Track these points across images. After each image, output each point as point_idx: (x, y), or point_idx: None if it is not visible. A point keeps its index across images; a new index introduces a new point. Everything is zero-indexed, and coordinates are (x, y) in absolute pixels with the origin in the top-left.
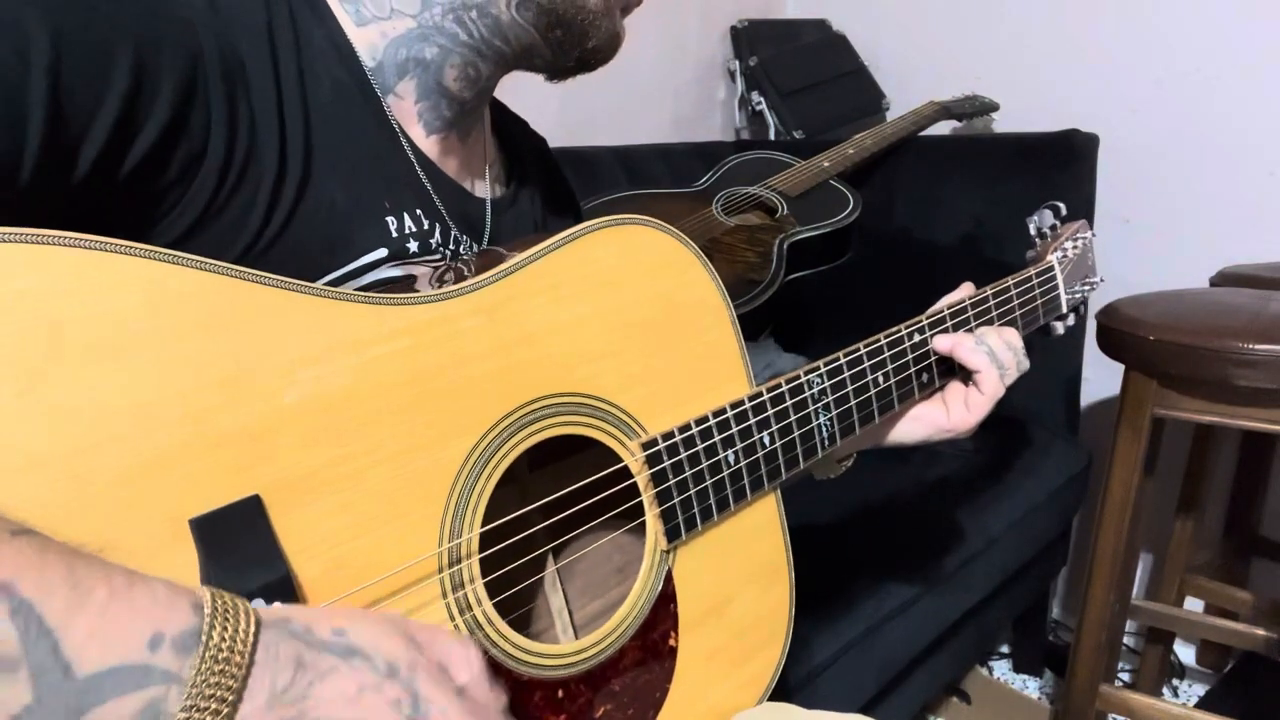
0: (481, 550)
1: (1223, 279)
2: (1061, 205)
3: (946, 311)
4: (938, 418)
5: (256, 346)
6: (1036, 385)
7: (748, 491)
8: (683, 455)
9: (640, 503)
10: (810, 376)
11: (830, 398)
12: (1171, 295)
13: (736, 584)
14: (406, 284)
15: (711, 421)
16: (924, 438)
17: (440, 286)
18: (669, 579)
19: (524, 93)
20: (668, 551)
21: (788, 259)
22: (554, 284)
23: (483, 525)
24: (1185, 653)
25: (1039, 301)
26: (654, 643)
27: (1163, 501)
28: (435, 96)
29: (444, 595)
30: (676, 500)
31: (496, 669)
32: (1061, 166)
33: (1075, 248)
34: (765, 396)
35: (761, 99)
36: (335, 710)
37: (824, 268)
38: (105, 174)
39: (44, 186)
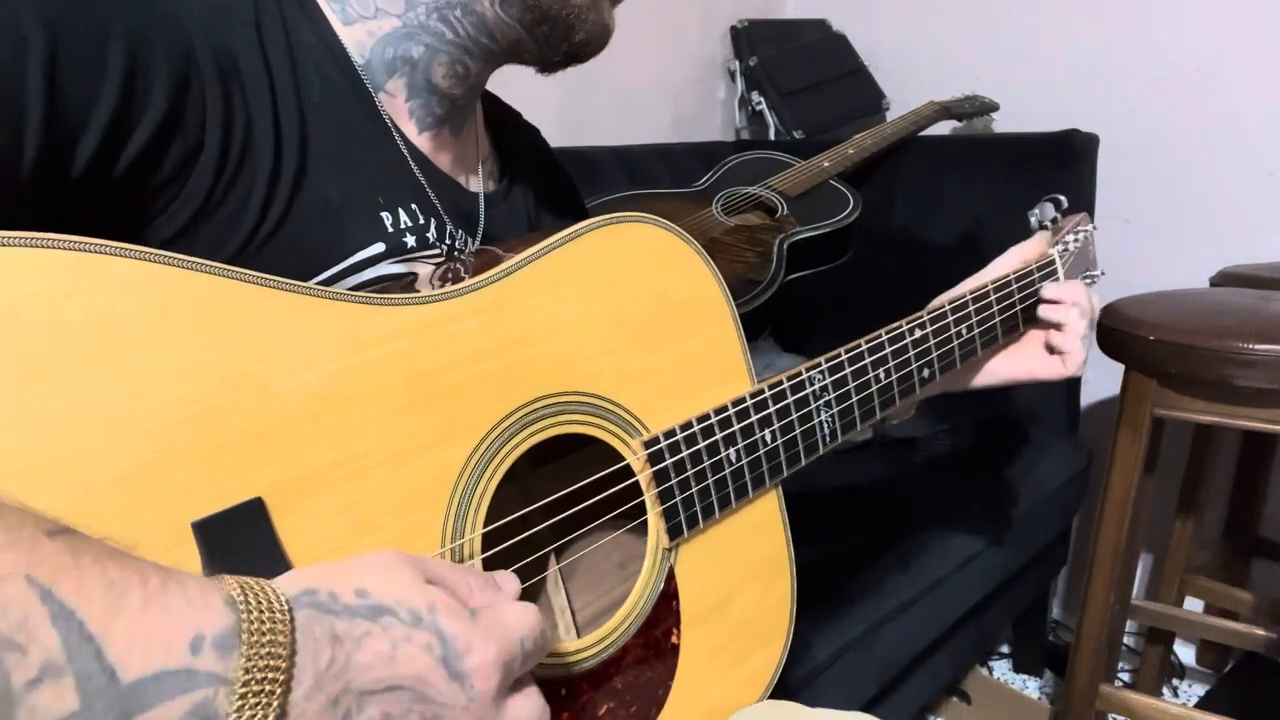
0: (484, 550)
1: (1223, 279)
2: (1063, 198)
3: (947, 306)
4: (1005, 367)
5: (257, 348)
6: (1036, 385)
7: (749, 489)
8: (684, 453)
9: (641, 501)
10: (811, 373)
11: (832, 394)
12: (1171, 295)
13: (738, 581)
14: (407, 283)
15: (713, 419)
16: (1009, 378)
17: (441, 286)
18: (671, 576)
19: (524, 93)
20: (670, 549)
21: (788, 259)
22: (555, 283)
23: (485, 525)
24: (1185, 653)
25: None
26: (656, 640)
27: (1163, 501)
28: (425, 94)
29: None
30: (678, 498)
31: None
32: (1061, 166)
33: (1077, 240)
34: (767, 394)
35: (761, 99)
36: (377, 672)
37: (824, 268)
38: (101, 170)
39: (43, 183)
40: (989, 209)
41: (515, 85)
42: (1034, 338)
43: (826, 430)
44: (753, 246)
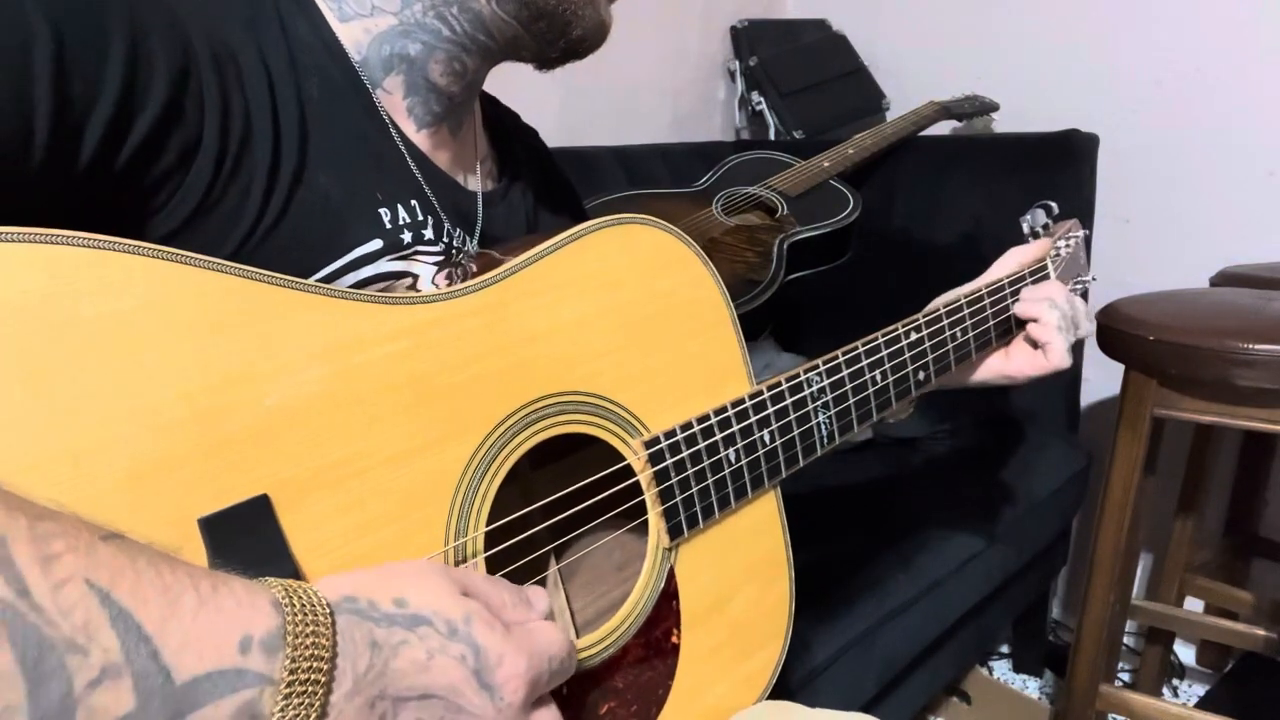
0: (486, 549)
1: (1223, 279)
2: (1053, 204)
3: (942, 310)
4: (998, 363)
5: (263, 346)
6: (1037, 385)
7: (749, 489)
8: (684, 453)
9: (641, 501)
10: (809, 375)
11: (829, 396)
12: (1171, 295)
13: (738, 581)
14: (407, 284)
15: (713, 420)
16: (983, 381)
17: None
18: (671, 576)
19: (524, 93)
20: (670, 549)
21: (788, 259)
22: (555, 284)
23: (488, 524)
24: (1185, 653)
25: None
26: (657, 640)
27: (1163, 501)
28: (423, 92)
29: None
30: (679, 498)
31: None
32: (1061, 166)
33: (1068, 246)
34: (765, 395)
35: (761, 99)
36: (412, 679)
37: (824, 268)
38: (105, 163)
39: (49, 177)
40: (989, 209)
41: (515, 85)
42: (1024, 338)
43: (824, 432)
44: (753, 246)
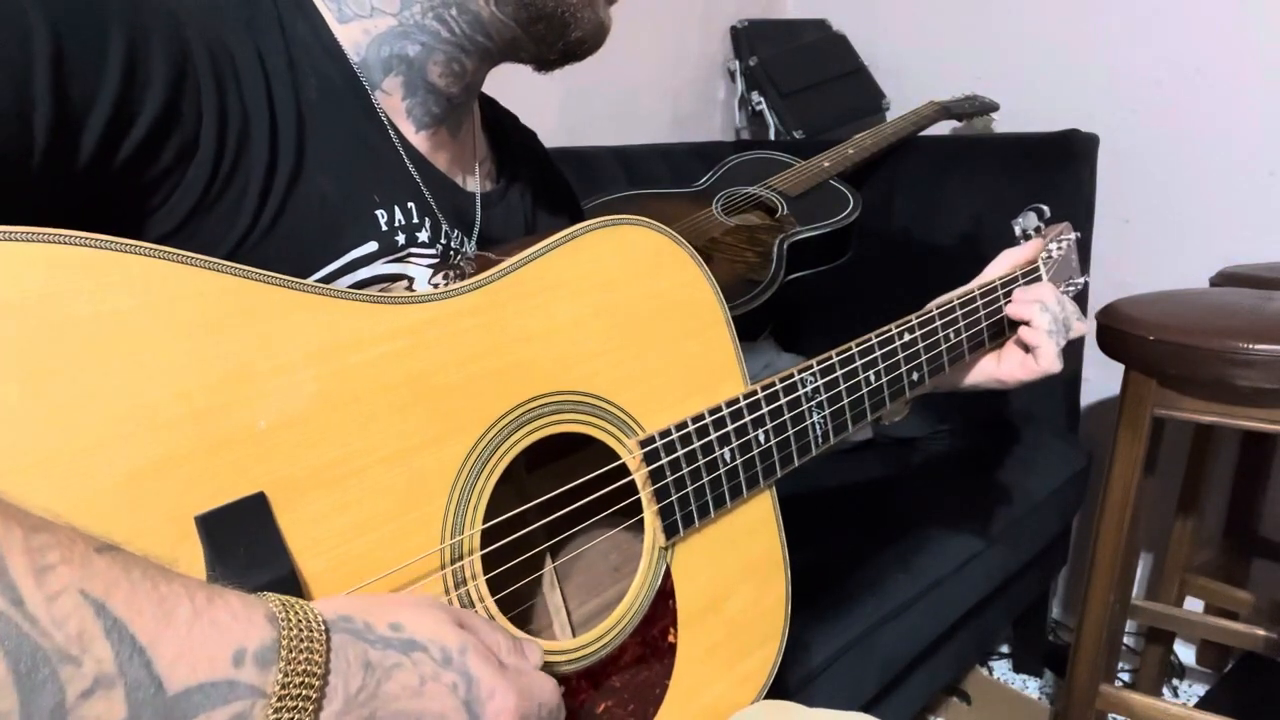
0: (482, 548)
1: (1223, 279)
2: (1045, 208)
3: (935, 311)
4: (989, 367)
5: (261, 345)
6: (1036, 385)
7: (744, 488)
8: (680, 453)
9: (637, 500)
10: (804, 375)
11: (824, 396)
12: (1171, 295)
13: (734, 581)
14: (404, 286)
15: (708, 419)
16: (975, 384)
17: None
18: (667, 575)
19: (523, 93)
20: (666, 548)
21: (787, 259)
22: (551, 284)
23: (484, 523)
24: (1185, 653)
25: None
26: (653, 639)
27: (1163, 501)
28: (422, 93)
29: (446, 591)
30: (674, 496)
31: None
32: (1061, 166)
33: (1060, 248)
34: (760, 395)
35: (761, 99)
36: (403, 704)
37: (824, 268)
38: (102, 163)
39: (49, 176)
40: (989, 209)
41: (515, 86)
42: (1015, 341)
43: (819, 431)
44: (753, 246)
